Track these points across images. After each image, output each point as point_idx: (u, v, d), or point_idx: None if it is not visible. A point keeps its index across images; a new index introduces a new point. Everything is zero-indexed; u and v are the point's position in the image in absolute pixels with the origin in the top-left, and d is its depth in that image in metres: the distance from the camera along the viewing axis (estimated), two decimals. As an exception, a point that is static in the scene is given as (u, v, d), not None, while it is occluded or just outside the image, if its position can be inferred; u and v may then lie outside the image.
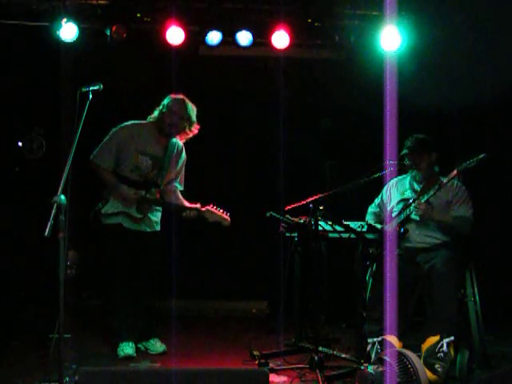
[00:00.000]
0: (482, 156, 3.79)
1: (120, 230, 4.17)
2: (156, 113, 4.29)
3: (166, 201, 4.34)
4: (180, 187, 4.45)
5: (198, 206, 4.22)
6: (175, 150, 4.34)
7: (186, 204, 4.32)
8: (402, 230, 4.11)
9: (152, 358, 4.16)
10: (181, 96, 4.29)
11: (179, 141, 4.38)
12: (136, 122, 4.30)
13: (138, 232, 4.24)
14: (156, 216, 4.36)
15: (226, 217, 4.21)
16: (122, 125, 4.25)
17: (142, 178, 4.21)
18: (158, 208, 4.37)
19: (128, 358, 4.07)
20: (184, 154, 4.42)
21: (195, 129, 4.30)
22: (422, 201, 3.99)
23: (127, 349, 4.11)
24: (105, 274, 4.29)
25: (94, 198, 4.37)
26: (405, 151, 4.20)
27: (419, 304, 3.94)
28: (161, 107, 4.28)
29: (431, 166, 4.19)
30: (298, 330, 4.47)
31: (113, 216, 4.17)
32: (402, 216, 4.14)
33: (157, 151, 4.25)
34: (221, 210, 4.21)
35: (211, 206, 4.21)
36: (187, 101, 4.28)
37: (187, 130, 4.30)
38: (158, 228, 4.37)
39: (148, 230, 4.30)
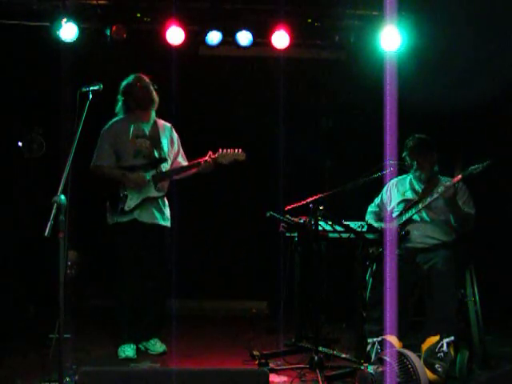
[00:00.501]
0: (487, 162, 3.78)
1: (134, 225, 4.17)
2: (119, 105, 4.31)
3: (176, 167, 4.36)
4: (184, 162, 4.45)
5: (209, 154, 4.22)
6: (165, 131, 4.37)
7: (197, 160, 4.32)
8: (404, 233, 4.11)
9: (152, 358, 4.16)
10: (133, 76, 4.31)
11: (164, 122, 4.42)
12: (117, 118, 4.35)
13: (152, 225, 4.23)
14: (167, 211, 4.36)
15: (240, 151, 4.19)
16: (109, 122, 4.32)
17: (146, 159, 4.23)
18: (167, 203, 4.37)
19: (128, 359, 4.07)
20: (175, 133, 4.45)
21: (156, 92, 4.31)
22: (425, 203, 3.97)
23: (128, 350, 4.11)
24: (117, 273, 4.26)
25: (94, 198, 4.38)
26: (407, 151, 4.19)
27: (419, 304, 3.94)
28: (121, 99, 4.29)
29: (433, 166, 4.19)
30: (298, 330, 4.47)
31: (129, 213, 4.17)
32: (404, 218, 4.13)
33: (148, 130, 4.29)
34: (231, 150, 4.19)
35: (220, 150, 4.20)
36: (135, 75, 4.31)
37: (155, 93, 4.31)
38: (169, 224, 4.36)
39: (162, 223, 4.29)
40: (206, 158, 4.22)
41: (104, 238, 4.31)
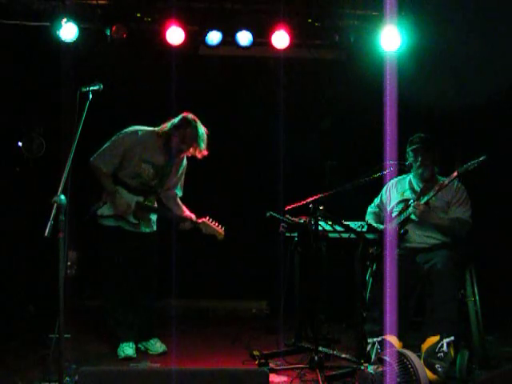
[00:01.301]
0: (482, 158, 3.79)
1: (119, 232, 4.17)
2: (167, 129, 4.19)
3: (162, 209, 4.36)
4: (180, 193, 4.46)
5: (194, 217, 4.26)
6: (177, 159, 4.33)
7: (184, 211, 4.36)
8: (402, 232, 4.11)
9: (152, 358, 4.16)
10: (194, 120, 4.18)
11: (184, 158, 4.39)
12: (143, 128, 4.23)
13: (136, 233, 4.24)
14: (154, 216, 4.36)
15: (221, 230, 4.25)
16: (131, 130, 4.19)
17: (142, 185, 4.21)
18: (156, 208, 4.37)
19: (128, 358, 4.08)
20: (185, 161, 4.41)
21: (202, 154, 4.21)
22: (422, 202, 3.99)
23: (127, 349, 4.11)
24: (103, 275, 4.28)
25: (94, 198, 4.37)
26: (411, 148, 4.18)
27: (419, 304, 3.94)
28: (171, 125, 4.18)
29: (434, 166, 4.19)
30: (298, 330, 4.47)
31: (111, 218, 4.16)
32: (402, 217, 4.14)
33: (160, 161, 4.22)
34: (216, 224, 4.25)
35: (207, 218, 4.25)
36: (200, 127, 4.18)
37: (194, 154, 4.24)
38: (155, 228, 4.38)
39: (147, 230, 4.31)
40: (189, 217, 4.25)
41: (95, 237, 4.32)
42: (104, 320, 4.35)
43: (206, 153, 4.20)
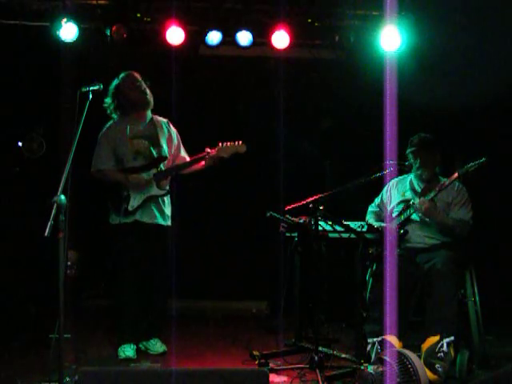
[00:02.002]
0: (482, 160, 3.79)
1: (136, 226, 4.17)
2: (112, 108, 4.27)
3: (176, 165, 4.34)
4: (186, 156, 4.45)
5: (207, 150, 4.21)
6: (163, 128, 4.35)
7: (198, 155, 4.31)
8: (402, 232, 4.11)
9: (152, 358, 4.16)
10: (115, 81, 4.27)
11: (160, 118, 4.40)
12: (112, 120, 4.33)
13: (152, 225, 4.23)
14: (168, 209, 4.36)
15: (240, 144, 4.17)
16: (104, 127, 4.31)
17: (146, 159, 4.23)
18: (168, 203, 4.37)
19: (128, 359, 4.08)
20: (173, 128, 4.44)
21: (146, 87, 4.27)
22: (426, 198, 3.98)
23: (128, 350, 4.12)
24: (117, 274, 4.26)
25: (94, 198, 4.38)
26: (412, 148, 4.18)
27: (419, 304, 3.94)
28: (111, 96, 4.25)
29: (435, 166, 4.19)
30: (298, 330, 4.47)
31: (134, 212, 4.17)
32: (403, 217, 4.13)
33: (145, 130, 4.27)
34: (230, 142, 4.17)
35: (219, 144, 4.19)
36: (126, 73, 4.28)
37: (146, 91, 4.27)
38: (170, 223, 4.36)
39: (163, 223, 4.29)
40: (205, 153, 4.21)
41: (105, 237, 4.31)
42: (104, 320, 4.35)
43: (148, 89, 4.25)
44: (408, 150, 4.21)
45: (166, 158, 4.29)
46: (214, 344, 4.65)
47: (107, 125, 4.32)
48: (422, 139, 4.19)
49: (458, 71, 5.20)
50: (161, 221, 4.28)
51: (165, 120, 4.43)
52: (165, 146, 4.30)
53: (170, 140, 4.38)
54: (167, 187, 4.31)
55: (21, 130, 5.63)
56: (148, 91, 4.27)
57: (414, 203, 4.08)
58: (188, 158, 4.43)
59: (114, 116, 4.30)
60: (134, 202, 4.18)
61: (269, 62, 5.70)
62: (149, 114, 4.34)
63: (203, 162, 4.29)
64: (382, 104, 4.40)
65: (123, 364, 3.99)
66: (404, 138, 4.23)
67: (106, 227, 4.25)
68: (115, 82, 4.28)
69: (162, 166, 4.27)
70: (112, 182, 4.22)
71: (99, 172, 4.23)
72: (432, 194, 3.99)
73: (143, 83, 4.26)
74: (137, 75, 4.28)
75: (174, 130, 4.44)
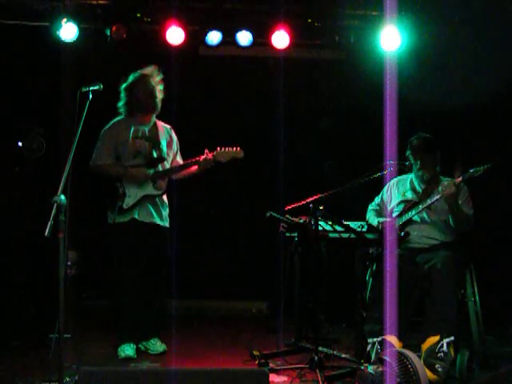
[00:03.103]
0: (488, 165, 3.77)
1: (133, 225, 4.18)
2: (124, 106, 4.29)
3: (174, 167, 4.37)
4: (182, 162, 4.48)
5: (206, 152, 4.23)
6: (165, 133, 4.39)
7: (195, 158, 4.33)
8: (403, 234, 4.10)
9: (152, 358, 4.16)
10: (129, 78, 4.29)
11: (163, 124, 4.43)
12: (118, 117, 4.36)
13: (152, 225, 4.24)
14: (166, 210, 4.37)
15: (238, 150, 4.19)
16: (109, 123, 4.33)
17: (145, 159, 4.25)
18: (167, 204, 4.38)
19: (128, 358, 4.08)
20: (175, 135, 4.47)
21: (160, 92, 4.30)
22: (455, 181, 3.88)
23: (128, 350, 4.12)
24: (116, 274, 4.26)
25: (94, 198, 4.38)
26: (411, 150, 4.18)
27: (419, 304, 3.94)
28: (123, 99, 4.28)
29: (435, 167, 4.19)
30: (298, 330, 4.47)
31: (130, 210, 4.18)
32: (404, 218, 4.13)
33: (148, 131, 4.30)
34: (229, 148, 4.20)
35: (218, 148, 4.21)
36: (142, 73, 4.29)
37: (159, 96, 4.31)
38: (168, 224, 4.37)
39: (161, 223, 4.30)
40: (204, 155, 4.23)
41: (104, 237, 4.31)
42: (105, 320, 4.34)
43: (160, 93, 4.29)
44: (407, 152, 4.21)
45: (164, 159, 4.31)
46: (214, 344, 4.65)
47: (112, 121, 4.34)
48: (421, 140, 4.17)
49: (457, 71, 5.20)
50: (158, 221, 4.28)
51: (168, 126, 4.46)
52: (164, 149, 4.33)
53: (170, 145, 4.40)
54: (164, 188, 4.32)
55: (21, 129, 5.62)
56: (159, 96, 4.29)
57: (440, 189, 3.95)
58: (182, 162, 4.45)
59: (122, 111, 4.32)
60: (130, 199, 4.19)
61: (269, 62, 5.70)
62: (153, 118, 4.37)
63: (197, 166, 4.29)
64: (382, 104, 4.40)
65: (123, 364, 3.99)
66: (404, 137, 4.23)
67: (105, 227, 4.25)
68: (130, 77, 4.30)
69: (160, 167, 4.29)
70: (110, 176, 4.23)
71: (98, 167, 4.25)
72: (460, 178, 3.87)
73: (155, 87, 4.27)
74: (151, 77, 4.29)
75: (175, 137, 4.47)
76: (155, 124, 4.38)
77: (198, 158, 4.25)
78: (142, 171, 4.22)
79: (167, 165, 4.36)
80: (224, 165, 4.23)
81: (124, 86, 4.30)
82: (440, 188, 3.94)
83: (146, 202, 4.23)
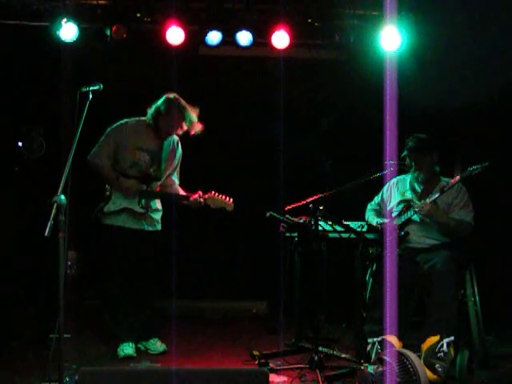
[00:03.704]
0: (486, 164, 3.77)
1: (120, 231, 4.18)
2: (150, 115, 4.25)
3: (165, 192, 4.34)
4: (177, 181, 4.46)
5: (200, 194, 4.22)
6: (171, 145, 4.35)
7: (187, 194, 4.31)
8: (402, 234, 4.10)
9: (152, 358, 4.16)
10: (176, 97, 4.24)
11: (175, 135, 4.39)
12: (133, 119, 4.31)
13: (138, 231, 4.24)
14: (157, 215, 4.36)
15: (229, 202, 4.20)
16: (119, 123, 4.27)
17: (141, 173, 4.22)
18: (158, 207, 4.37)
19: (128, 357, 4.08)
20: (180, 149, 4.43)
21: (197, 127, 4.28)
22: (428, 201, 3.98)
23: (127, 349, 4.11)
24: (103, 275, 4.28)
25: (94, 198, 4.37)
26: (406, 152, 4.19)
27: (419, 304, 3.94)
28: (155, 109, 4.24)
29: (432, 167, 4.19)
30: (298, 330, 4.47)
31: (114, 216, 4.17)
32: (403, 218, 4.13)
33: (154, 146, 4.26)
34: (222, 196, 4.20)
35: (213, 192, 4.20)
36: (183, 103, 4.24)
37: (189, 130, 4.29)
38: (159, 227, 4.37)
39: (150, 228, 4.30)
40: (196, 196, 4.19)
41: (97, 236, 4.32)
42: (104, 320, 4.34)
43: (199, 127, 4.27)
44: (403, 154, 4.21)
45: (159, 179, 4.27)
46: (214, 344, 4.65)
47: (123, 122, 4.27)
48: (415, 142, 4.18)
49: (458, 71, 5.20)
50: (143, 226, 4.25)
51: (176, 138, 4.40)
52: (163, 167, 4.27)
53: (172, 157, 4.34)
54: (150, 208, 4.24)
55: (21, 130, 5.62)
56: (181, 130, 4.25)
57: (415, 204, 4.06)
58: (177, 182, 4.42)
59: (147, 118, 4.26)
60: (111, 206, 4.17)
61: (269, 62, 5.70)
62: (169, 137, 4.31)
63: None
64: (382, 104, 4.40)
65: (123, 363, 3.99)
66: (404, 137, 4.23)
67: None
68: (164, 101, 4.21)
69: (153, 185, 4.25)
70: (101, 177, 4.21)
71: (94, 165, 4.19)
72: (434, 196, 3.98)
73: (185, 122, 4.22)
74: (184, 111, 4.22)
75: (179, 152, 4.42)
76: (167, 139, 4.31)
77: (190, 195, 4.22)
78: (134, 186, 4.16)
79: (161, 181, 4.30)
80: (208, 211, 4.21)
81: (158, 102, 4.22)
82: (412, 210, 4.01)
83: (127, 213, 4.19)
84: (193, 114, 4.25)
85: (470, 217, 4.04)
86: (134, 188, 4.17)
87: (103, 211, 4.17)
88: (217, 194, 4.20)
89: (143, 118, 4.30)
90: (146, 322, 4.32)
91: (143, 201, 4.20)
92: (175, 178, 4.44)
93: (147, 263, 4.29)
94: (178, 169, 4.47)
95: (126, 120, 4.30)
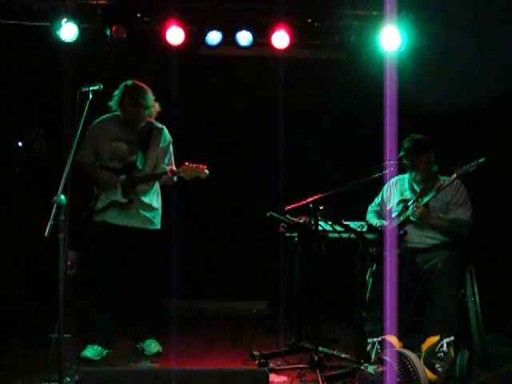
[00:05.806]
0: (481, 160, 3.77)
1: (106, 226, 4.17)
2: (114, 103, 4.21)
3: (142, 176, 4.22)
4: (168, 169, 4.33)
5: (172, 167, 4.20)
6: (153, 132, 4.29)
7: (163, 171, 4.23)
8: (402, 232, 4.10)
9: (152, 358, 4.15)
10: (127, 85, 4.17)
11: (158, 123, 4.34)
12: (107, 114, 4.31)
13: (126, 228, 4.19)
14: (150, 213, 4.28)
15: (203, 169, 4.05)
16: (96, 120, 4.28)
17: (121, 163, 4.21)
18: (154, 206, 4.29)
19: (86, 360, 3.98)
20: (166, 136, 4.34)
21: (156, 109, 4.25)
22: (421, 203, 3.99)
23: (89, 351, 4.04)
24: (93, 274, 4.25)
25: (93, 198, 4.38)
26: (402, 152, 4.19)
27: (419, 304, 3.94)
28: (114, 100, 4.20)
29: (430, 166, 4.18)
30: (298, 330, 4.47)
31: (102, 212, 4.18)
32: (402, 218, 4.13)
33: (129, 135, 4.24)
34: (195, 165, 4.06)
35: (186, 163, 4.09)
36: (136, 89, 4.16)
37: (150, 115, 4.25)
38: (153, 227, 4.29)
39: (140, 226, 4.23)
40: (168, 170, 4.17)
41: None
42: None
43: (156, 109, 4.23)
44: (400, 154, 4.21)
45: (138, 167, 4.20)
46: (213, 344, 4.65)
47: (100, 118, 4.29)
48: (411, 142, 4.17)
49: (458, 71, 5.20)
50: (136, 223, 4.21)
51: (160, 127, 4.33)
52: (144, 156, 4.21)
53: (154, 143, 4.26)
54: (134, 196, 4.19)
55: (21, 129, 5.62)
56: (143, 109, 4.16)
57: (411, 205, 4.06)
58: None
59: (115, 109, 4.23)
60: (100, 203, 4.19)
61: (269, 62, 5.70)
62: (140, 124, 4.24)
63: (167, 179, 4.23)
64: (382, 104, 4.40)
65: (123, 364, 3.98)
66: (404, 137, 4.23)
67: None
68: (120, 88, 4.19)
69: (135, 174, 4.20)
70: (86, 176, 4.21)
71: (78, 163, 4.13)
72: (426, 199, 3.98)
73: (141, 99, 4.13)
74: (137, 88, 4.17)
75: (164, 137, 4.32)
76: (147, 126, 4.26)
77: (165, 171, 4.18)
78: (112, 176, 4.15)
79: (149, 170, 4.25)
80: (187, 182, 4.11)
81: (115, 93, 4.18)
82: (410, 209, 4.01)
83: (115, 207, 4.18)
84: (148, 96, 4.17)
85: (467, 215, 4.04)
86: (107, 178, 4.15)
87: (94, 209, 4.18)
88: (189, 164, 4.08)
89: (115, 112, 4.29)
90: (143, 323, 4.29)
91: (125, 191, 4.16)
92: (166, 166, 4.31)
93: (139, 263, 4.25)
94: (171, 158, 4.36)
95: (104, 116, 4.30)
